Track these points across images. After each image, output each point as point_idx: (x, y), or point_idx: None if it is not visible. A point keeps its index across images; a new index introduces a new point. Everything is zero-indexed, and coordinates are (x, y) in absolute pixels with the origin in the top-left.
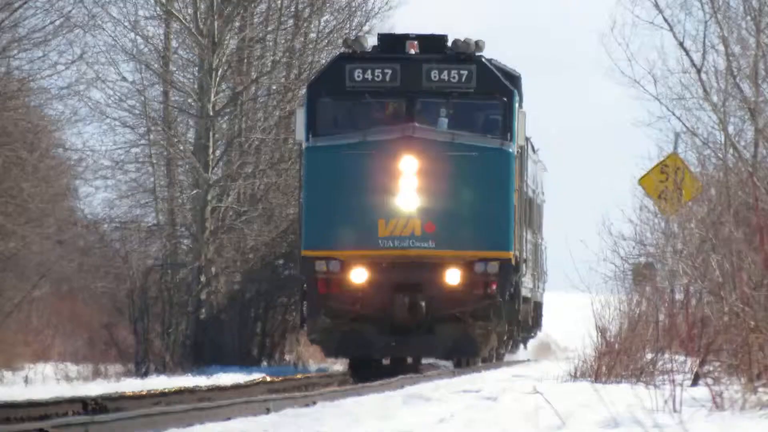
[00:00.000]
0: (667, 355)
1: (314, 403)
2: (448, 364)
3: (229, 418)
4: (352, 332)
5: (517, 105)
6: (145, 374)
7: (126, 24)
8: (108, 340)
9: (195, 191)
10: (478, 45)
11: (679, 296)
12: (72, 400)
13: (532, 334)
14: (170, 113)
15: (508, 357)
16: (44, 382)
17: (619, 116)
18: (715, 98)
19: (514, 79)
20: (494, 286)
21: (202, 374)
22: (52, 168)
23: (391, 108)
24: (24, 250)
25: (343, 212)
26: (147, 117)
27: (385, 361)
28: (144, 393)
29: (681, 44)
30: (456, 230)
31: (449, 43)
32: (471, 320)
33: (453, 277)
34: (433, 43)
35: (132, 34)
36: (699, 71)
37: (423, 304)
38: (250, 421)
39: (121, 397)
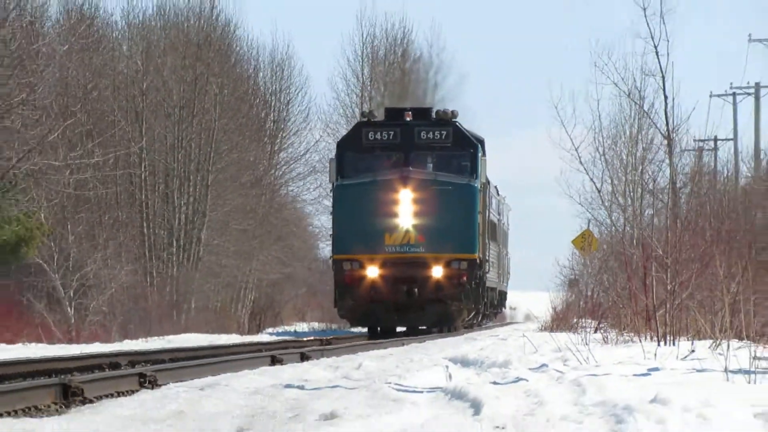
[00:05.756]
0: (583, 319)
1: (404, 344)
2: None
3: (386, 347)
4: (368, 310)
5: (480, 154)
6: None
7: None
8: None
9: None
10: (453, 114)
11: (589, 293)
12: (317, 341)
13: (498, 311)
14: None
15: (508, 320)
16: (301, 330)
17: (565, 211)
18: (606, 204)
19: (480, 141)
20: (464, 278)
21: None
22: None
23: (394, 157)
24: (294, 273)
25: (361, 228)
26: None
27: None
28: (345, 338)
29: (591, 180)
30: (438, 240)
31: (434, 113)
32: (449, 301)
33: (437, 271)
34: (422, 113)
35: None
36: (599, 192)
37: (416, 290)
38: (397, 348)
39: (336, 339)
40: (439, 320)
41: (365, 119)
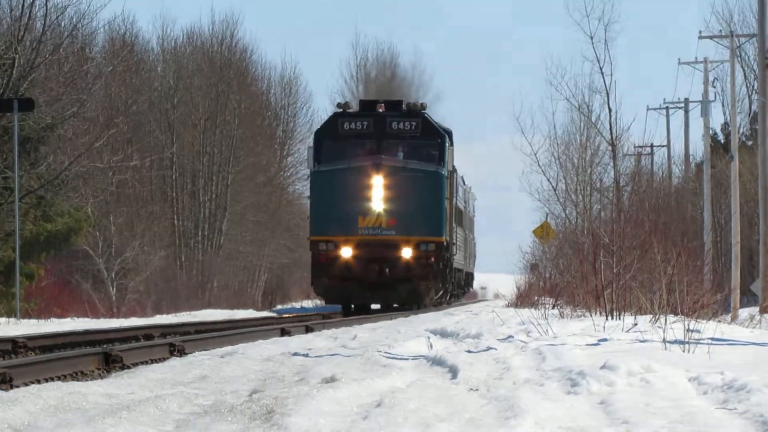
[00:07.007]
0: (542, 297)
1: (392, 318)
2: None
3: (377, 321)
4: (342, 288)
5: (447, 144)
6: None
7: None
8: None
9: None
10: (423, 106)
11: (547, 275)
12: (319, 315)
13: (465, 291)
14: None
15: (480, 297)
16: (306, 307)
17: (527, 206)
18: (560, 200)
19: (447, 132)
20: (432, 259)
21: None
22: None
23: (367, 146)
24: (300, 258)
25: (337, 212)
26: None
27: (375, 306)
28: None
29: (548, 179)
30: (408, 223)
31: (404, 105)
32: (417, 280)
33: (406, 253)
34: (393, 105)
35: None
36: (555, 190)
37: (387, 270)
38: (386, 321)
39: (335, 314)
40: (409, 298)
41: (341, 109)
